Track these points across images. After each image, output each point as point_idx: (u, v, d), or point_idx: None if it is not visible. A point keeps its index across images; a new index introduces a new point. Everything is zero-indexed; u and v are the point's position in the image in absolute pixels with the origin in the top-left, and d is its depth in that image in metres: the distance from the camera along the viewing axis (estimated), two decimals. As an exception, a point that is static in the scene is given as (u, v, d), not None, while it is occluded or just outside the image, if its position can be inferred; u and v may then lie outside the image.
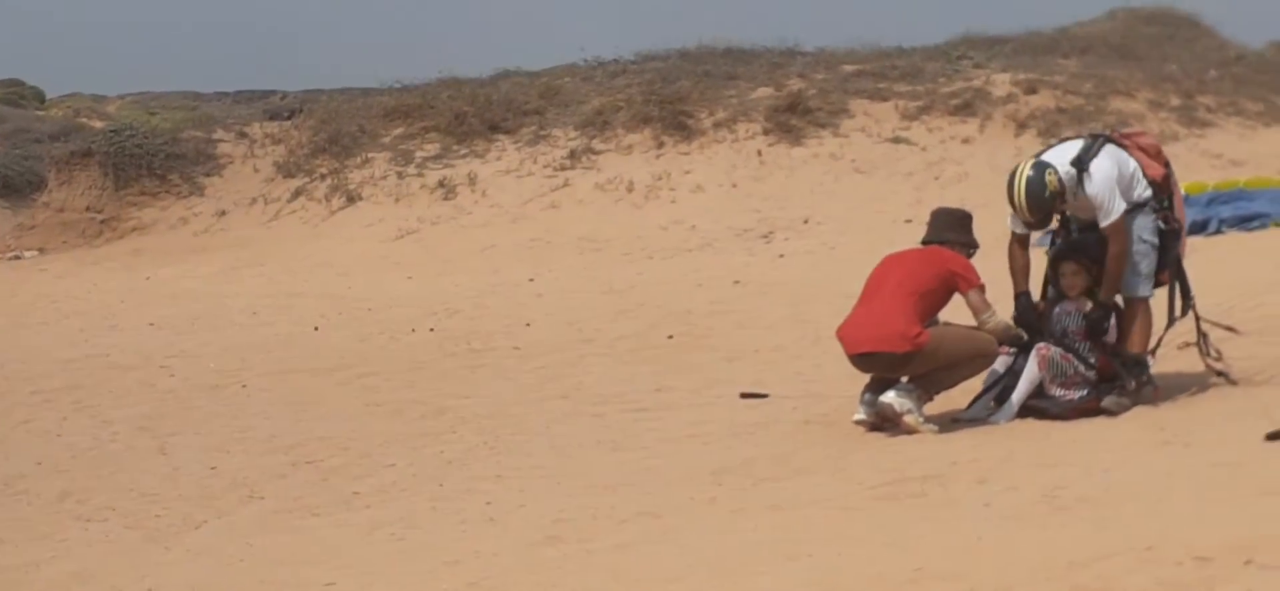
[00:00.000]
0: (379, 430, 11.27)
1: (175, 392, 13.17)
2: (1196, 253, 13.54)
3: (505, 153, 25.12)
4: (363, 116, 26.64)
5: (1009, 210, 10.14)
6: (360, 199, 24.15)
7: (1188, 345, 10.55)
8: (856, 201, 22.38)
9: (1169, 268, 10.31)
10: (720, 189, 23.46)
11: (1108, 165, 10.01)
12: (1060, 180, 9.94)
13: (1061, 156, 10.13)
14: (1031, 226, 10.20)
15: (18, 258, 24.81)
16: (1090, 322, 10.05)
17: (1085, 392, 9.97)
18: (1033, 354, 10.00)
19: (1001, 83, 26.19)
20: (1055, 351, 9.98)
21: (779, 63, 28.33)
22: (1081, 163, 10.01)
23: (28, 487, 10.29)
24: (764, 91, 26.15)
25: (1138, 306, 10.16)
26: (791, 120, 25.14)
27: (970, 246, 10.33)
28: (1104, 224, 10.00)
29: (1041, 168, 9.97)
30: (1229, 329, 11.11)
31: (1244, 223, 18.40)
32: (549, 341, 14.44)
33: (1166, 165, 10.44)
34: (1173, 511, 7.29)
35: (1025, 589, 6.28)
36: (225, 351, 14.85)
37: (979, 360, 10.02)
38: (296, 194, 24.71)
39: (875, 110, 25.45)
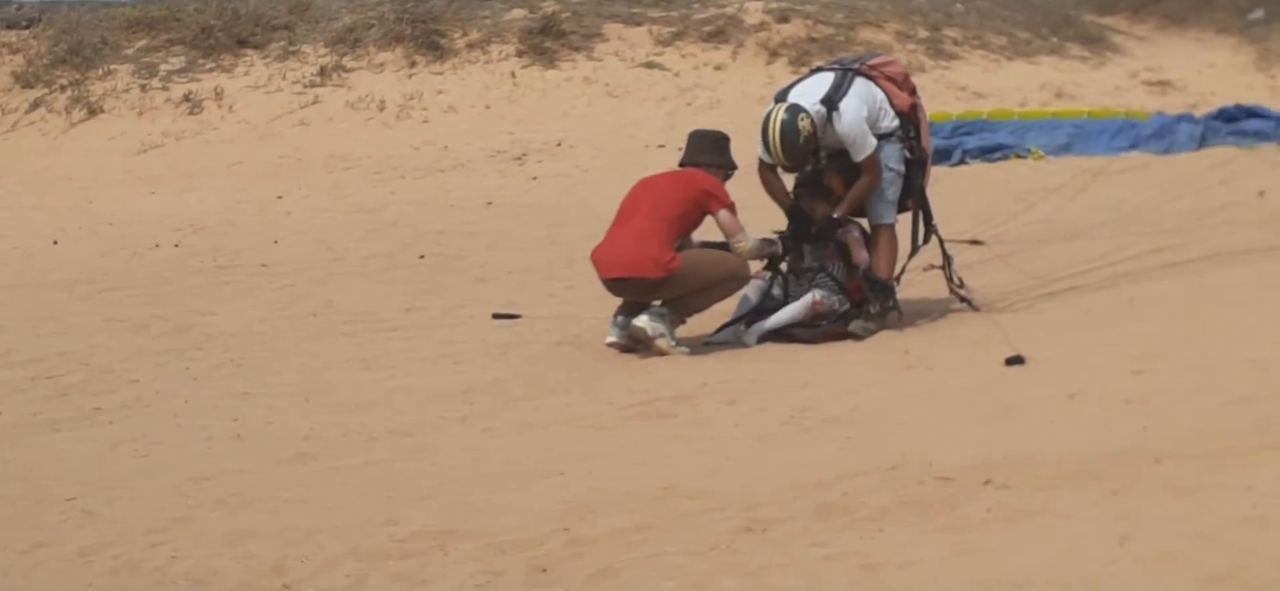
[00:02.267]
0: (121, 345, 11.00)
1: (-95, 306, 12.73)
2: (941, 181, 13.87)
3: (253, 68, 24.64)
4: (105, 27, 25.89)
5: (761, 146, 10.23)
6: (102, 112, 23.50)
7: (932, 268, 10.78)
8: (609, 125, 22.43)
9: (913, 196, 10.51)
10: (473, 110, 23.33)
11: (856, 103, 10.14)
12: (813, 122, 10.04)
13: (812, 93, 10.22)
14: (789, 170, 10.31)
15: None
16: (824, 232, 10.20)
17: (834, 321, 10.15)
18: (807, 301, 10.09)
19: (754, 11, 26.42)
20: (828, 301, 10.08)
21: (533, -15, 28.24)
22: (831, 101, 10.13)
23: None
24: (518, 13, 26.03)
25: (883, 232, 10.36)
26: (545, 43, 25.09)
27: (727, 168, 10.40)
28: (857, 159, 10.16)
29: (795, 111, 10.04)
30: (974, 242, 11.41)
31: (987, 154, 18.84)
32: (298, 259, 14.25)
33: (914, 94, 10.64)
34: (916, 433, 7.46)
35: (772, 506, 6.38)
36: (-41, 264, 14.39)
37: (730, 283, 10.12)
38: (35, 105, 23.96)
39: (629, 34, 25.50)
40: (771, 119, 10.09)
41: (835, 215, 10.23)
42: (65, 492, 7.39)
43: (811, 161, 10.36)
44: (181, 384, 9.83)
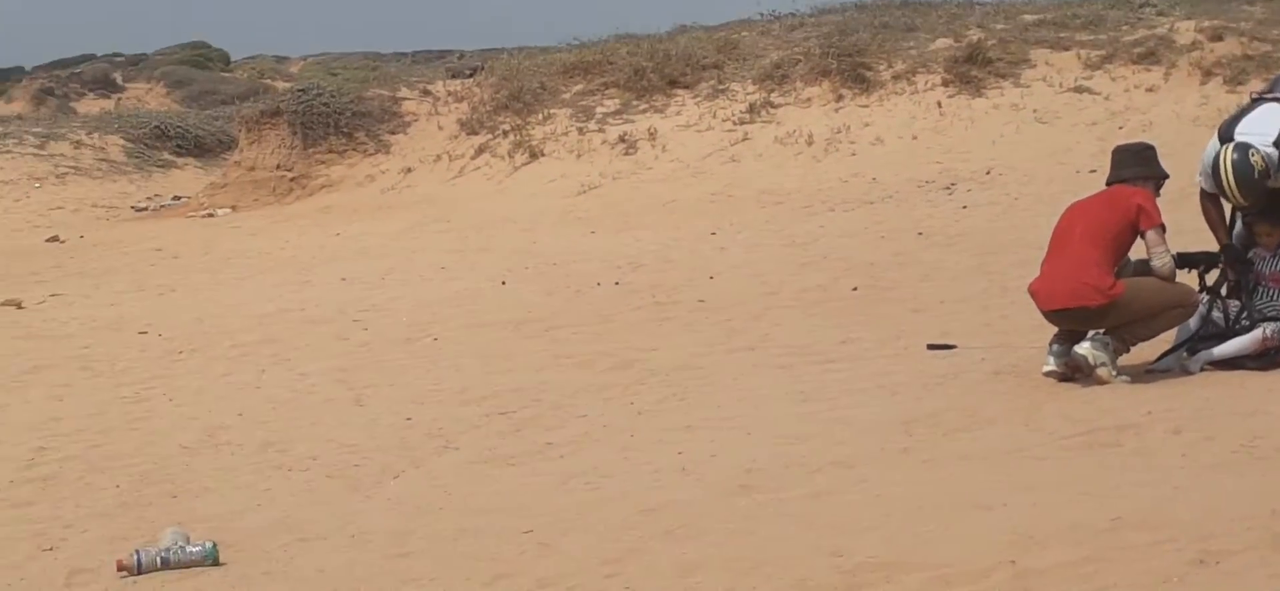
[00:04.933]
0: (568, 381, 11.44)
1: (369, 346, 13.46)
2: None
3: (684, 107, 25.22)
4: (544, 73, 26.88)
5: (1206, 179, 10.00)
6: (542, 155, 24.41)
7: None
8: (1039, 152, 22.16)
9: None
10: (900, 141, 23.38)
11: None
12: (1264, 158, 9.75)
13: (1259, 131, 9.89)
14: (1244, 209, 10.05)
15: (211, 215, 25.40)
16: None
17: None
18: (1256, 336, 9.84)
19: (1186, 30, 25.73)
20: (1277, 333, 9.80)
21: (958, 13, 28.12)
22: None
23: (231, 438, 10.57)
24: (943, 42, 25.97)
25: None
26: (972, 71, 24.96)
27: (1158, 178, 10.19)
28: None
29: (1244, 149, 9.76)
30: None
31: None
32: (733, 294, 14.53)
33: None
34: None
35: (1225, 538, 6.26)
36: (416, 305, 15.14)
37: (1177, 311, 9.89)
38: (480, 151, 25.03)
39: (1057, 60, 25.16)
40: (1221, 162, 9.80)
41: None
42: (522, 525, 7.74)
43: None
44: (627, 418, 10.16)
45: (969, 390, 10.09)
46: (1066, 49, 25.53)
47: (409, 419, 10.68)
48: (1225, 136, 10.00)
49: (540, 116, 25.33)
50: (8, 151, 31.35)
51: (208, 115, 38.10)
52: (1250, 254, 10.10)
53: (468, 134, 25.65)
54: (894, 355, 11.47)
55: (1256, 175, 9.71)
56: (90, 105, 59.59)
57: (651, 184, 22.77)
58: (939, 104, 24.27)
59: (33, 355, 13.90)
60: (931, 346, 11.53)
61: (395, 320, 14.49)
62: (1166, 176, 10.23)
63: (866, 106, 24.52)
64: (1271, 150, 9.77)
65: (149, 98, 61.50)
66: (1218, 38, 25.36)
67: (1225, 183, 9.77)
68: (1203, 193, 10.12)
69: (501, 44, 35.19)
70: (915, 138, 23.43)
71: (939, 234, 17.10)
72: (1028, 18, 27.22)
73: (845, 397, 10.25)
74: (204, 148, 34.10)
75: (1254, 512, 6.49)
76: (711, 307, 14.00)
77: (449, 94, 27.09)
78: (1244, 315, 9.97)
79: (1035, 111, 23.75)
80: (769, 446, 9.02)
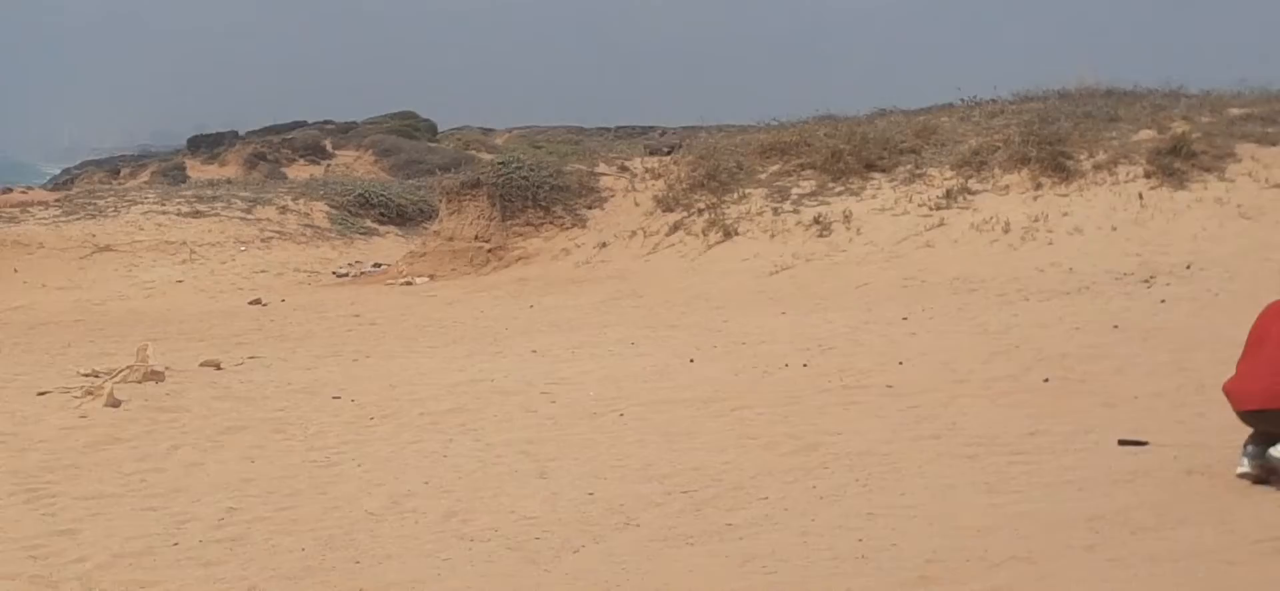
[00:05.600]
0: (752, 462, 11.42)
1: (556, 419, 13.55)
2: None
3: (880, 190, 25.14)
4: (740, 153, 26.99)
5: None
6: (737, 233, 24.47)
7: None
8: (1242, 247, 21.72)
9: None
10: (1099, 232, 23.06)
11: None
12: None
13: None
14: None
15: (409, 283, 25.81)
16: None
17: None
18: None
19: (1401, 125, 25.14)
20: None
21: (1162, 105, 27.75)
22: None
23: (416, 506, 10.70)
24: (1146, 134, 25.62)
25: None
26: (1175, 163, 24.58)
27: None
28: None
29: None
30: None
31: None
32: (922, 381, 14.41)
33: None
34: None
35: None
36: (604, 380, 15.22)
37: (1374, 415, 9.64)
38: (675, 228, 25.16)
39: (1263, 154, 24.68)
40: None
41: None
42: (700, 605, 7.73)
43: None
44: (809, 502, 10.11)
45: (1159, 488, 9.89)
46: (1274, 143, 25.05)
47: (591, 493, 10.73)
48: None
49: (736, 195, 25.41)
50: (216, 215, 32.18)
51: (412, 185, 38.79)
52: None
53: (663, 210, 25.82)
54: (1083, 449, 11.28)
55: None
56: (299, 170, 61.00)
57: (844, 267, 22.71)
58: (1140, 195, 23.91)
59: (229, 416, 14.19)
60: (1123, 442, 11.33)
61: (583, 394, 14.58)
62: None
63: (1066, 195, 24.24)
64: None
65: (357, 165, 62.78)
66: None
67: None
68: None
69: (702, 121, 35.35)
70: (1115, 229, 23.10)
71: (1135, 328, 16.81)
72: (1234, 111, 26.76)
73: (1031, 490, 10.10)
74: (406, 216, 34.71)
75: None
76: (899, 393, 13.89)
77: (647, 170, 27.30)
78: None
79: (1239, 206, 23.30)
80: (950, 537, 8.91)
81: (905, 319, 18.40)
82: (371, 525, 10.22)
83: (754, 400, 13.88)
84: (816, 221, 24.32)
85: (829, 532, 9.25)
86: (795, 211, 24.79)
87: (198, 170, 65.47)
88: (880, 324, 18.13)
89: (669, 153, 28.78)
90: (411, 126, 74.11)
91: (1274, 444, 9.61)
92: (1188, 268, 20.97)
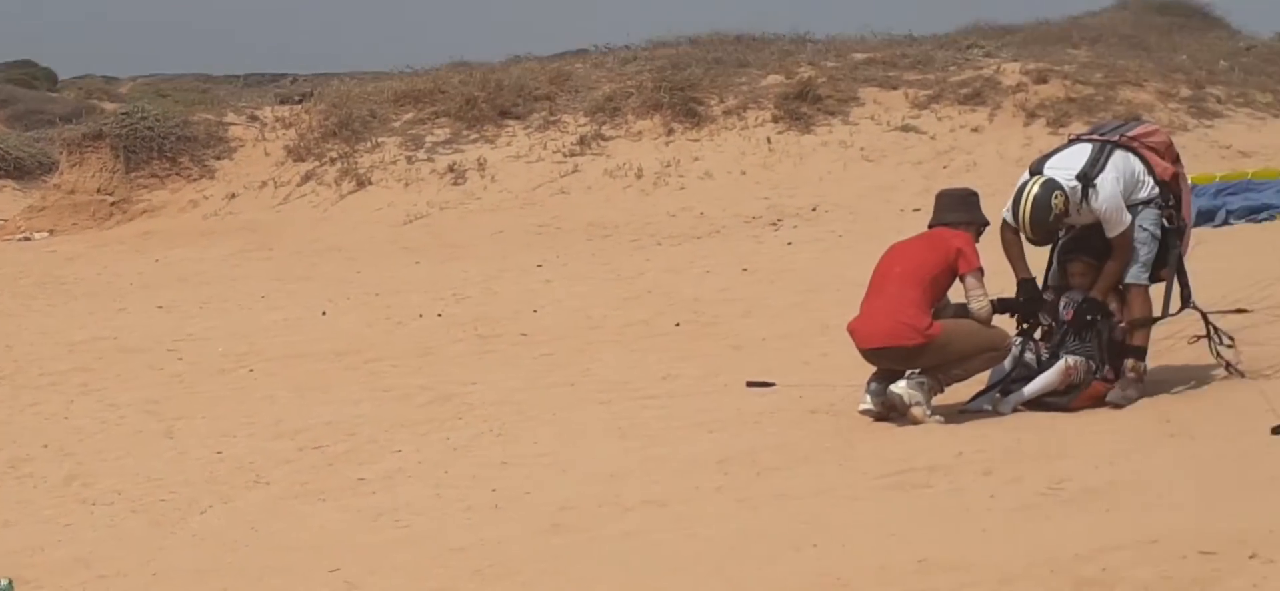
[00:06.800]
0: (386, 415, 11.28)
1: (182, 376, 13.19)
2: (1204, 244, 13.56)
3: (515, 138, 25.14)
4: (373, 101, 26.67)
5: (1008, 210, 10.12)
6: (370, 183, 24.18)
7: (1198, 338, 10.55)
8: (865, 189, 22.38)
9: (1169, 265, 10.28)
10: (729, 176, 23.48)
11: (1112, 178, 9.97)
12: (1067, 197, 9.89)
13: (1068, 167, 10.06)
14: (1034, 244, 10.18)
15: (27, 239, 24.85)
16: (1078, 313, 10.07)
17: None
18: (1059, 366, 9.97)
19: (1011, 72, 26.18)
20: (1080, 365, 9.96)
21: (789, 50, 28.38)
22: (1087, 177, 9.97)
23: (34, 470, 10.30)
24: (774, 79, 26.16)
25: (1134, 293, 10.15)
26: (801, 108, 25.17)
27: (979, 225, 10.29)
28: (1110, 236, 10.01)
29: (1050, 187, 9.89)
30: (1239, 311, 11.15)
31: (1252, 214, 18.35)
32: (557, 328, 14.45)
33: (1177, 163, 10.42)
34: (1177, 504, 7.29)
35: (1028, 581, 6.28)
36: (233, 335, 14.86)
37: (991, 353, 9.98)
38: (306, 178, 24.73)
39: (885, 98, 25.46)
40: (1026, 192, 9.96)
41: (1093, 295, 10.07)
42: (329, 563, 7.59)
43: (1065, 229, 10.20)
44: (443, 453, 10.03)
45: (786, 428, 10.09)
46: (894, 88, 25.84)
47: (220, 452, 10.47)
48: (1035, 171, 10.15)
49: (369, 144, 25.11)
50: None
51: (30, 137, 37.32)
52: (1063, 298, 10.22)
53: (295, 160, 25.35)
54: (713, 392, 11.45)
55: (1052, 216, 9.86)
56: (-95, 123, 58.17)
57: (479, 215, 22.66)
58: (768, 140, 24.42)
59: None
60: (751, 384, 11.52)
61: (211, 350, 14.21)
62: (987, 224, 10.34)
63: (697, 141, 24.61)
64: (1075, 184, 9.92)
65: (-30, 117, 60.18)
66: (1042, 80, 25.83)
67: (1022, 215, 9.92)
68: (1005, 224, 10.23)
69: (334, 69, 34.86)
70: (744, 173, 23.55)
71: (763, 270, 17.15)
72: (858, 56, 27.53)
73: (663, 434, 10.21)
74: (23, 170, 33.43)
75: (1057, 556, 6.51)
76: (534, 341, 13.90)
77: (277, 120, 26.77)
78: (1053, 347, 10.11)
79: (862, 149, 23.99)
80: (584, 484, 8.94)
81: (540, 266, 18.43)
82: (-14, 492, 9.79)
83: (388, 352, 13.73)
84: (451, 170, 24.18)
85: (463, 483, 9.19)
86: (430, 160, 24.61)
87: None
88: (515, 272, 18.12)
89: (300, 101, 28.17)
90: (30, 76, 71.34)
91: (895, 381, 9.90)
92: (814, 210, 21.49)
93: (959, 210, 10.34)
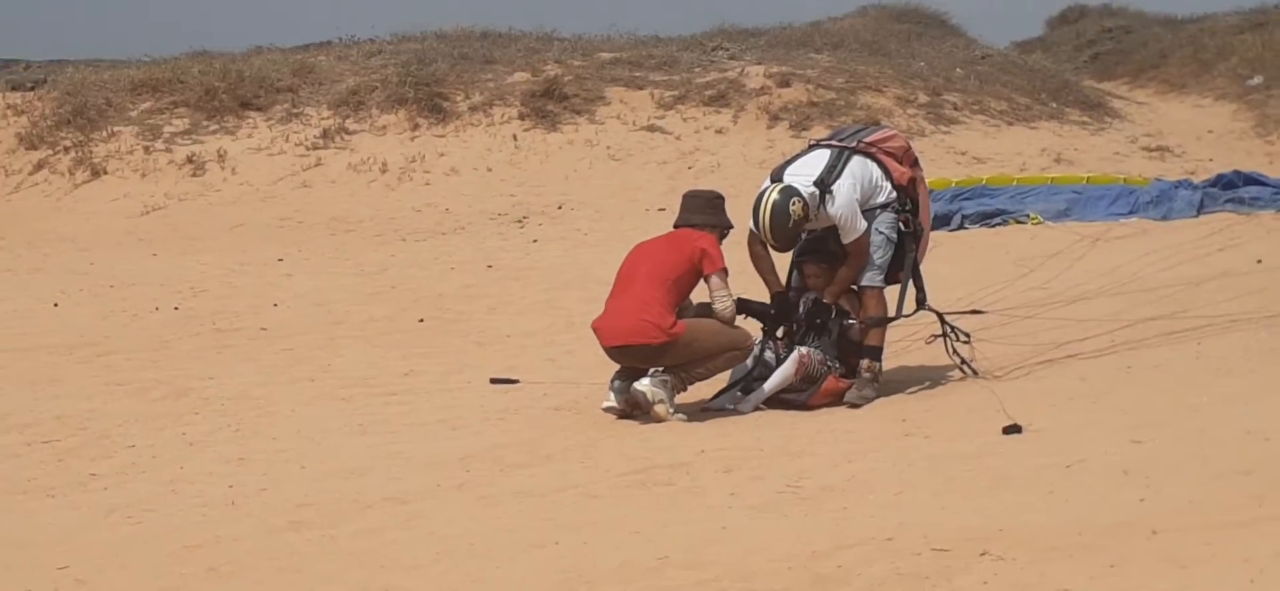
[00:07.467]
0: (119, 410, 10.99)
1: (-97, 369, 12.71)
2: (940, 247, 13.89)
3: (257, 130, 24.74)
4: (110, 89, 26.00)
5: (752, 220, 10.24)
6: (105, 173, 23.57)
7: (935, 338, 10.79)
8: (611, 188, 22.48)
9: (904, 268, 10.50)
10: (475, 172, 23.40)
11: (848, 185, 10.16)
12: (805, 203, 10.05)
13: (806, 173, 10.23)
14: (777, 250, 10.32)
15: None
16: (808, 315, 10.25)
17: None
18: (794, 357, 10.13)
19: (755, 75, 26.51)
20: (815, 356, 10.13)
21: (536, 48, 28.38)
22: (824, 183, 10.15)
23: None
24: (521, 76, 26.14)
25: (869, 295, 10.36)
26: (548, 106, 25.18)
27: (723, 227, 10.40)
28: (846, 241, 10.20)
29: (788, 194, 10.06)
30: (974, 312, 11.42)
31: (986, 219, 18.83)
32: (297, 323, 14.25)
33: (915, 167, 10.64)
34: (912, 502, 7.42)
35: (767, 578, 6.34)
36: (-42, 327, 14.37)
37: (734, 353, 10.11)
38: (39, 166, 24.03)
39: (631, 98, 25.59)
40: (764, 199, 10.11)
41: (825, 300, 10.24)
42: (57, 561, 7.36)
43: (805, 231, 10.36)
44: (178, 449, 9.81)
45: (529, 425, 10.08)
46: (640, 88, 26.00)
47: (-58, 447, 10.09)
48: (775, 178, 10.29)
49: (104, 133, 24.47)
50: None
51: None
52: (802, 300, 10.38)
53: (26, 149, 24.59)
54: (457, 389, 11.39)
55: (791, 222, 10.03)
56: None
57: (218, 207, 22.25)
58: (515, 137, 24.39)
59: None
60: (495, 381, 11.49)
61: (-65, 341, 13.71)
62: (731, 227, 10.46)
63: (443, 136, 24.48)
64: (813, 190, 10.09)
65: None
66: (785, 84, 26.21)
67: (762, 222, 10.06)
68: (752, 234, 10.36)
69: (69, 56, 33.90)
70: (490, 170, 23.49)
71: (509, 267, 17.13)
72: (604, 56, 27.64)
73: (405, 431, 10.12)
74: None
75: (796, 552, 6.59)
76: (274, 336, 13.68)
77: (8, 107, 25.96)
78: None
79: (608, 148, 24.09)
80: (323, 480, 8.81)
81: (281, 260, 18.16)
82: None
83: (122, 345, 13.40)
84: (190, 160, 23.69)
85: (199, 479, 8.99)
86: (168, 150, 24.08)
87: None
88: (256, 265, 17.84)
89: (32, 88, 27.37)
90: None
91: (639, 379, 9.95)
92: (559, 208, 21.53)
93: (705, 212, 10.44)
